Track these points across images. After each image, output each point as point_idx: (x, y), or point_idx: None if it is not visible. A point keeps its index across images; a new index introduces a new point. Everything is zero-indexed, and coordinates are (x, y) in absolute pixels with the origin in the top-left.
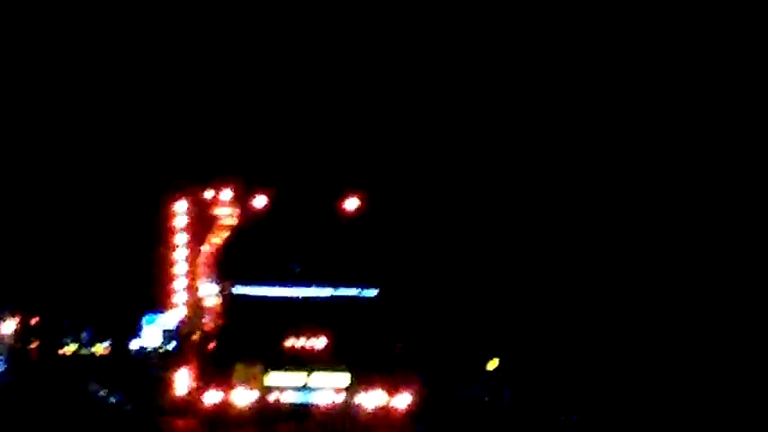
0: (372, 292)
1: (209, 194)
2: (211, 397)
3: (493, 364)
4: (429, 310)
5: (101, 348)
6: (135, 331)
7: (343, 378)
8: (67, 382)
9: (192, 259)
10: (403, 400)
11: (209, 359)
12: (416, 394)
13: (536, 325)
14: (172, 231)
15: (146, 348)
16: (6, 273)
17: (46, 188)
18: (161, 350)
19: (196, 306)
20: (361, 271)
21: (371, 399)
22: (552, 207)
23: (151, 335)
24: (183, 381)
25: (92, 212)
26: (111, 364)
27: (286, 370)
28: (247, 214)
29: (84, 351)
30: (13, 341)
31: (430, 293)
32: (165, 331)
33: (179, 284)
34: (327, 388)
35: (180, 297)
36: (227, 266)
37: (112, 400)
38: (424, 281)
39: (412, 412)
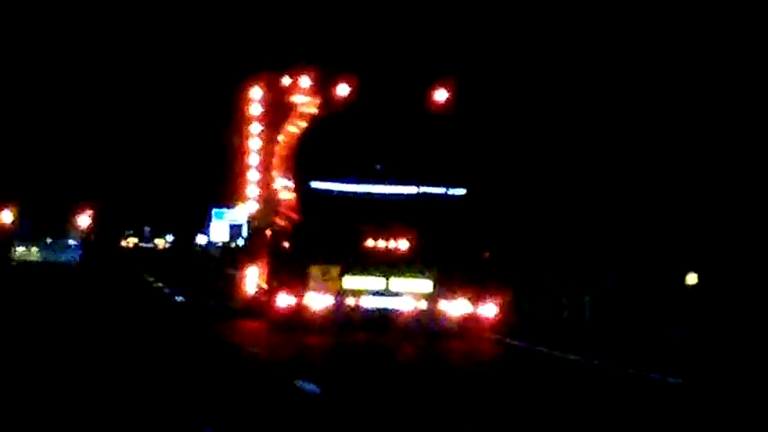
0: (460, 192)
1: (286, 81)
2: (284, 299)
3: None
4: (519, 214)
5: (162, 242)
6: (201, 226)
7: (426, 284)
8: (126, 274)
9: (267, 150)
10: (489, 310)
11: (282, 258)
12: (503, 304)
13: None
14: (246, 119)
15: (214, 244)
16: (79, 165)
17: (118, 74)
18: (230, 246)
19: (269, 200)
20: (449, 168)
21: (455, 307)
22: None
23: (219, 230)
24: (252, 280)
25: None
26: (174, 258)
27: (365, 273)
28: (328, 103)
29: (143, 244)
30: (86, 232)
31: (520, 197)
32: (233, 226)
33: (252, 176)
34: (409, 293)
35: (252, 190)
36: (306, 159)
37: (178, 298)
38: (515, 183)
39: (498, 323)
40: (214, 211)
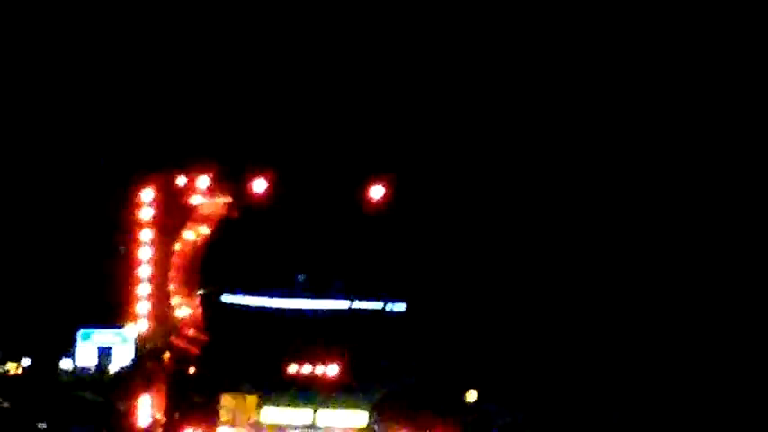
0: (400, 307)
1: (182, 181)
2: None
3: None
4: (469, 329)
5: (14, 367)
6: (65, 349)
7: (361, 416)
8: None
9: (162, 260)
10: None
11: (185, 385)
12: None
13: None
14: (136, 226)
15: (85, 369)
16: None
17: None
18: (104, 373)
19: (166, 318)
20: (386, 279)
21: None
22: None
23: (86, 353)
24: (145, 411)
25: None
26: (30, 386)
27: (288, 403)
28: (240, 202)
29: None
30: None
31: (472, 308)
32: (101, 349)
33: (142, 291)
34: (340, 429)
35: (143, 306)
36: (214, 270)
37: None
38: (466, 295)
39: None
40: (81, 331)
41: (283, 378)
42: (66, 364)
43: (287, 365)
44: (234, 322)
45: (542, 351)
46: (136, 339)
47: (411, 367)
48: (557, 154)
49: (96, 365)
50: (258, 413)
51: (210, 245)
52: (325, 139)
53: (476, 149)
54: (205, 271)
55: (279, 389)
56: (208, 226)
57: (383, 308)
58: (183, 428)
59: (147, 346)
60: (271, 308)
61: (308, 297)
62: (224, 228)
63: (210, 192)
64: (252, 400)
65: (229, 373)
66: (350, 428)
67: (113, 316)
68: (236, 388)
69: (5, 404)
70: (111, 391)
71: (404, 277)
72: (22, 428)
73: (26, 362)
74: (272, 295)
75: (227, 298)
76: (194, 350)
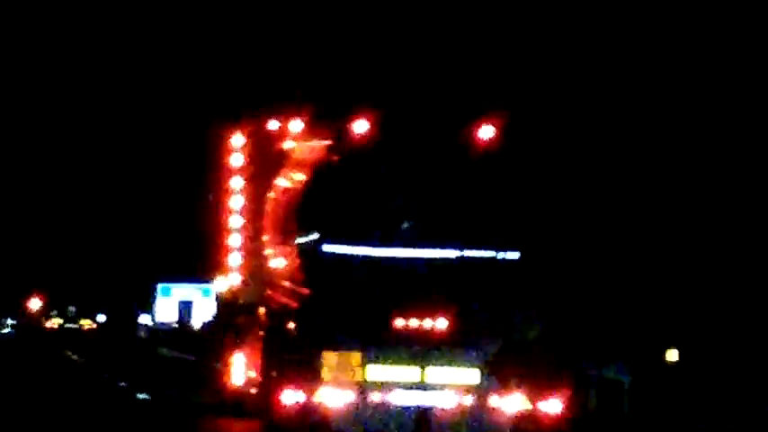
0: (513, 256)
1: (274, 125)
2: (289, 395)
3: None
4: (591, 282)
5: (88, 323)
6: (143, 304)
7: (473, 374)
8: (49, 358)
9: (254, 209)
10: (552, 406)
11: (284, 343)
12: (569, 399)
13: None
14: (225, 173)
15: (164, 324)
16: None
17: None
18: (185, 328)
19: (259, 271)
20: (498, 226)
21: (510, 403)
22: None
23: (166, 309)
24: (240, 370)
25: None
26: (111, 341)
27: (394, 361)
28: (341, 145)
29: (69, 324)
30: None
31: (594, 258)
32: (183, 303)
33: (234, 242)
34: (451, 386)
35: (234, 259)
36: (314, 217)
37: (141, 395)
38: (586, 240)
39: (563, 422)
40: (160, 286)
41: (389, 333)
42: (144, 319)
43: (392, 320)
44: (334, 274)
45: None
46: (224, 294)
47: (527, 321)
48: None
49: (178, 321)
50: (363, 371)
51: (308, 191)
52: (430, 75)
53: (594, 87)
54: (302, 219)
55: (384, 345)
56: (303, 172)
57: (495, 257)
58: (282, 388)
59: (241, 300)
60: (374, 257)
61: (413, 246)
62: (322, 173)
63: (305, 135)
64: (355, 357)
65: (331, 329)
66: (461, 386)
67: (195, 269)
68: (338, 344)
69: (80, 360)
70: (195, 348)
71: (517, 224)
72: (119, 398)
73: (101, 318)
74: (375, 244)
75: (326, 247)
76: (292, 304)
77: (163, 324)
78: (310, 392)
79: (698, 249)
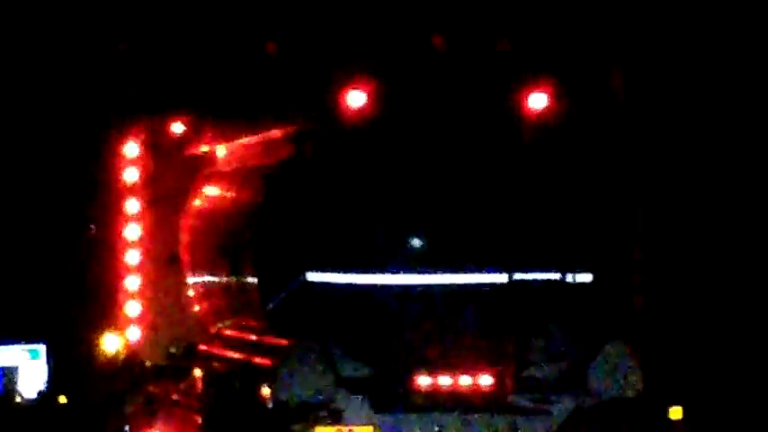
0: (584, 277)
1: (178, 128)
2: None
3: None
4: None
5: None
6: None
7: None
8: None
9: (161, 238)
10: None
11: (245, 421)
12: None
13: None
14: (115, 194)
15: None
16: None
17: None
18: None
19: (176, 319)
20: (560, 237)
21: None
22: None
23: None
24: None
25: None
26: None
27: None
28: (315, 131)
29: None
30: None
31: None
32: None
33: (131, 285)
34: None
35: (132, 308)
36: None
37: None
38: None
39: None
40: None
41: (413, 396)
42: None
43: (414, 377)
44: (328, 313)
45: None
46: (113, 354)
47: (620, 372)
48: None
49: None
50: None
51: (270, 203)
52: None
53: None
54: (264, 242)
55: (406, 413)
56: (249, 179)
57: (558, 280)
58: None
59: (147, 361)
60: (386, 287)
61: (440, 270)
62: (294, 172)
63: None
64: None
65: (324, 394)
66: None
67: (17, 326)
68: (337, 417)
69: None
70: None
71: (588, 235)
72: None
73: None
74: (385, 269)
75: (313, 276)
76: (258, 360)
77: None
78: None
79: None
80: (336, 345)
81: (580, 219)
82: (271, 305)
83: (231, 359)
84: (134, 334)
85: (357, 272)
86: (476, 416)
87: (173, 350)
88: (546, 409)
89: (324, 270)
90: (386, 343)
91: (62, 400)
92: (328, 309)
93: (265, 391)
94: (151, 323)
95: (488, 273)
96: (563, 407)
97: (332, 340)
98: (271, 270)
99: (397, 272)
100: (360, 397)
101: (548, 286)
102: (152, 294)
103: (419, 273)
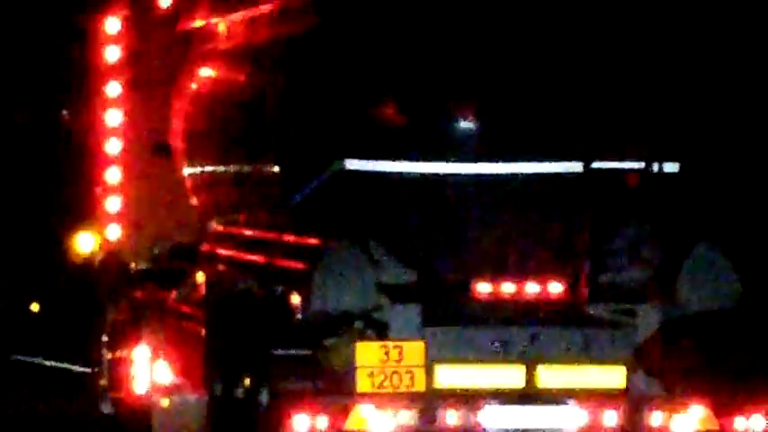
0: (672, 167)
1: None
2: (301, 425)
3: None
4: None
5: None
6: None
7: (615, 374)
8: None
9: (149, 125)
10: (757, 425)
11: (266, 332)
12: None
13: None
14: (93, 77)
15: None
16: None
17: None
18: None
19: (160, 217)
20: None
21: (684, 422)
22: None
23: None
24: (142, 372)
25: None
26: None
27: (479, 359)
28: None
29: None
30: None
31: None
32: None
33: (112, 177)
34: (580, 395)
35: (112, 203)
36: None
37: None
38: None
39: None
40: None
41: (470, 306)
42: None
43: (472, 284)
44: (362, 206)
45: None
46: (90, 256)
47: (714, 279)
48: None
49: None
50: (428, 375)
51: (294, 71)
52: None
53: None
54: (286, 124)
55: (463, 326)
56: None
57: (642, 169)
58: (287, 411)
59: (133, 264)
60: (429, 176)
61: (496, 158)
62: (325, 35)
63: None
64: (413, 350)
65: (366, 302)
66: (598, 395)
67: None
68: (379, 328)
69: None
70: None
71: (674, 119)
72: None
73: None
74: (437, 157)
75: (352, 164)
76: (282, 262)
77: None
78: (338, 415)
79: None
80: (379, 245)
81: (669, 97)
82: (297, 198)
83: (244, 261)
84: (114, 232)
85: (404, 159)
86: (544, 329)
87: (156, 251)
88: (626, 322)
89: (364, 157)
90: (438, 243)
91: (34, 308)
92: (369, 202)
93: (294, 299)
94: (134, 220)
95: (560, 161)
96: (646, 319)
97: (373, 240)
98: (297, 158)
99: (455, 159)
100: (408, 307)
101: (629, 177)
102: (135, 187)
103: (479, 161)
